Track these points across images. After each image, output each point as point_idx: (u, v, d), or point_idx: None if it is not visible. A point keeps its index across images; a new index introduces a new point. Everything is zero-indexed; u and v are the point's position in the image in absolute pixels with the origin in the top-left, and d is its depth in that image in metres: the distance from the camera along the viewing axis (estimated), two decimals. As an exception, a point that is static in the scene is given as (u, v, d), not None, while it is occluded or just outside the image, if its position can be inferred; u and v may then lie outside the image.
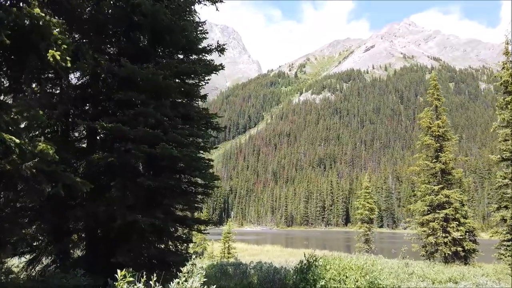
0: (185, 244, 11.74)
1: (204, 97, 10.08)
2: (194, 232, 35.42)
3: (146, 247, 8.05)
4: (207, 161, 9.63)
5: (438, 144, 25.40)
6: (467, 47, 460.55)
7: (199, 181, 9.83)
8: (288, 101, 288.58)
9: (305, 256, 9.81)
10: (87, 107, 8.80)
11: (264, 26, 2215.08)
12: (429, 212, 24.96)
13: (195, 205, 9.76)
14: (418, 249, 25.12)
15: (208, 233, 11.53)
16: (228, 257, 27.47)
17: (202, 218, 10.24)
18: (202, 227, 10.64)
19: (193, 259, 13.62)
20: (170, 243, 9.77)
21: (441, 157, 25.09)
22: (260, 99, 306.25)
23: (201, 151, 9.84)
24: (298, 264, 10.78)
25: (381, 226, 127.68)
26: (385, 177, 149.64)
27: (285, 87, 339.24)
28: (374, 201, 35.32)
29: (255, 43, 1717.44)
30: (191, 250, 24.21)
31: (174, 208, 9.12)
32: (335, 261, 8.89)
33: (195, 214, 11.30)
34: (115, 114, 8.33)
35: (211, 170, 10.02)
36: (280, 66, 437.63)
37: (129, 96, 8.19)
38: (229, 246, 29.08)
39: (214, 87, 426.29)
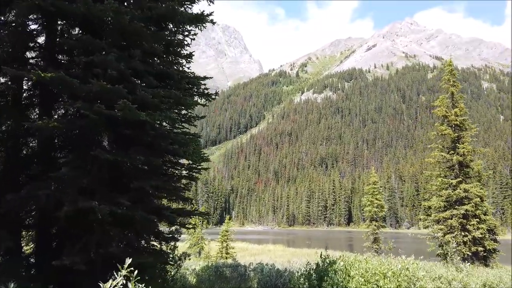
0: (172, 243, 9.70)
1: (189, 56, 7.93)
2: (191, 231, 33.21)
3: (106, 244, 5.93)
4: (193, 136, 7.50)
5: (456, 134, 23.19)
6: (469, 46, 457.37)
7: (183, 162, 7.72)
8: (290, 101, 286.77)
9: (320, 257, 7.61)
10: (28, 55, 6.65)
11: (266, 25, 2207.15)
12: (445, 209, 22.78)
13: (179, 192, 7.65)
14: (435, 249, 22.91)
15: (194, 227, 9.42)
16: (226, 258, 25.31)
17: (187, 209, 8.07)
18: (196, 221, 8.52)
19: (178, 260, 11.42)
20: (151, 241, 7.71)
21: (458, 148, 22.90)
22: (261, 99, 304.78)
23: (184, 124, 7.72)
24: (306, 266, 8.62)
25: (384, 226, 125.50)
26: (387, 177, 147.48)
27: (287, 87, 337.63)
28: (383, 197, 33.05)
29: (256, 42, 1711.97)
30: (181, 251, 21.67)
31: (150, 195, 6.97)
32: (360, 264, 6.72)
33: (186, 206, 9.14)
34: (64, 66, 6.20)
35: (203, 151, 7.96)
36: (281, 66, 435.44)
37: (83, 42, 6.07)
38: (227, 245, 26.90)
39: (215, 86, 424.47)
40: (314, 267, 7.14)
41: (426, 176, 26.00)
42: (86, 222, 6.05)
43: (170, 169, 7.64)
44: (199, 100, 8.02)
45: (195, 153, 7.18)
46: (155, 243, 8.17)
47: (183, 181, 7.93)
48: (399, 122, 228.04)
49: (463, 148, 22.66)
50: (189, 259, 11.89)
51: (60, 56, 6.67)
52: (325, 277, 6.28)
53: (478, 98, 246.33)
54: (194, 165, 7.61)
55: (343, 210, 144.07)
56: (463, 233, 21.63)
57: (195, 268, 16.84)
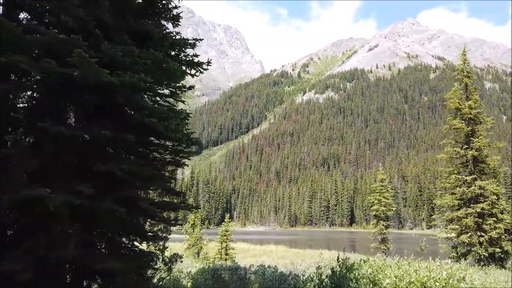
0: (160, 243, 8.34)
1: (176, 18, 6.55)
2: (190, 230, 31.69)
3: (61, 245, 4.56)
4: (181, 112, 6.13)
5: (470, 128, 21.73)
6: (471, 46, 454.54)
7: (168, 144, 6.33)
8: (291, 101, 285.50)
9: (338, 261, 6.18)
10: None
11: (268, 25, 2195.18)
12: (459, 207, 21.34)
13: (164, 182, 6.27)
14: (448, 250, 21.46)
15: (179, 224, 8.08)
16: (226, 259, 23.91)
17: (174, 201, 6.67)
18: (195, 220, 7.11)
19: (169, 263, 10.01)
20: (132, 240, 6.35)
21: (473, 142, 21.45)
22: (263, 99, 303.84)
23: (169, 100, 6.34)
24: (317, 271, 7.23)
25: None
26: (390, 177, 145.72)
27: (288, 87, 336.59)
28: (390, 196, 31.58)
29: (258, 43, 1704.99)
30: (180, 252, 20.23)
31: (122, 182, 5.56)
32: (390, 271, 5.26)
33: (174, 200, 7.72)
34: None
35: (195, 134, 6.59)
36: (283, 66, 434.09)
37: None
38: (227, 246, 25.46)
39: (217, 87, 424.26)
40: (330, 273, 5.72)
41: (440, 172, 24.52)
42: (36, 215, 4.67)
43: (151, 153, 6.26)
44: (188, 71, 6.64)
45: (179, 131, 5.82)
46: (136, 243, 6.81)
47: (168, 167, 6.56)
48: (401, 123, 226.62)
49: (478, 142, 21.22)
50: (181, 261, 10.47)
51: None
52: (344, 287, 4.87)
53: (481, 98, 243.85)
54: (180, 147, 6.23)
55: (346, 211, 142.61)
56: (478, 233, 20.17)
57: (190, 271, 15.47)
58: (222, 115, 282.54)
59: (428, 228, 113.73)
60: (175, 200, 6.60)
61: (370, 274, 4.97)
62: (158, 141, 6.12)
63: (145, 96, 5.89)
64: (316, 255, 34.92)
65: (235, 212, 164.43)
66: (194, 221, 29.00)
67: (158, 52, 5.27)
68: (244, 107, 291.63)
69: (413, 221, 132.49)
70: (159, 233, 6.86)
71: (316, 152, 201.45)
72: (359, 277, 4.97)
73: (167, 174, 6.44)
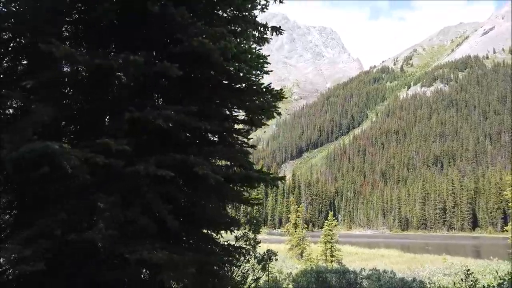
0: (250, 236, 6.84)
1: None
2: (292, 230, 29.81)
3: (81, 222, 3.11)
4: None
5: None
6: None
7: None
8: (395, 97, 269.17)
9: None
10: None
11: (367, 21, 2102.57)
12: None
13: (232, 148, 4.54)
14: None
15: (260, 203, 6.21)
16: (331, 261, 21.58)
17: (258, 171, 4.83)
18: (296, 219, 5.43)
19: (262, 261, 8.28)
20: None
21: None
22: (363, 97, 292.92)
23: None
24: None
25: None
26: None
27: (390, 83, 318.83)
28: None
29: (355, 40, 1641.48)
30: (282, 253, 18.81)
31: (175, 140, 3.93)
32: None
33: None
34: None
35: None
36: (383, 61, 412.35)
37: None
38: (331, 247, 23.08)
39: (314, 89, 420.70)
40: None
41: None
42: (48, 182, 3.29)
43: (214, 97, 4.51)
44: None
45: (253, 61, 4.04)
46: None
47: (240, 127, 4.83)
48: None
49: None
50: (276, 259, 8.76)
51: None
52: None
53: None
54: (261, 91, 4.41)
55: (466, 213, 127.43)
56: None
57: (291, 272, 13.74)
58: (321, 117, 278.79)
59: None
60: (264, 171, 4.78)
61: None
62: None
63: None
64: (437, 260, 30.51)
65: (339, 215, 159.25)
66: (296, 220, 27.31)
67: None
68: (343, 107, 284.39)
69: None
70: (236, 219, 5.14)
71: (426, 150, 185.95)
72: None
73: (242, 131, 4.71)
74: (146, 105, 3.67)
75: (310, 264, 16.08)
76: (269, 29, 6.27)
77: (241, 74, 4.10)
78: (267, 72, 4.88)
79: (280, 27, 6.48)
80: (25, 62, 4.01)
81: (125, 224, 3.42)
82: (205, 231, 5.31)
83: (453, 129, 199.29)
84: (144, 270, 3.99)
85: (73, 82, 3.81)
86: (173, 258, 3.30)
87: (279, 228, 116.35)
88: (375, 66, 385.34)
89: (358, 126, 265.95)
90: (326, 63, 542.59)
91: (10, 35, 4.05)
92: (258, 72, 4.42)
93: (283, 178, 5.06)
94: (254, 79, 4.31)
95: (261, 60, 4.40)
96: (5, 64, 4.08)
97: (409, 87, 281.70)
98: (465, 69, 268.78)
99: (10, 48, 4.05)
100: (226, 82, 4.34)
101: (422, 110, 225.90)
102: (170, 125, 3.44)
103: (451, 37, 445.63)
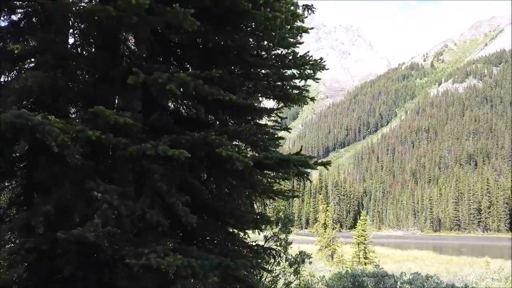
0: (281, 236, 6.17)
1: None
2: (321, 231, 28.73)
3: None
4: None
5: None
6: None
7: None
8: (425, 94, 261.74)
9: None
10: None
11: (394, 17, 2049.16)
12: None
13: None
14: None
15: (298, 195, 5.42)
16: (365, 263, 20.49)
17: (297, 153, 4.03)
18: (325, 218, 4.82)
19: (294, 264, 7.57)
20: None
21: None
22: (391, 95, 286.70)
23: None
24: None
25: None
26: None
27: (420, 79, 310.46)
28: None
29: (383, 37, 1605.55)
30: (311, 254, 18.03)
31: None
32: None
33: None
34: None
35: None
36: (412, 58, 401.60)
37: None
38: (365, 248, 22.00)
39: (340, 88, 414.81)
40: None
41: None
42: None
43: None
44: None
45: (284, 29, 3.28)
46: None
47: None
48: None
49: None
50: (310, 262, 7.90)
51: None
52: None
53: None
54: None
55: (503, 214, 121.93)
56: None
57: (324, 276, 12.84)
58: (348, 115, 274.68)
59: None
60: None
61: None
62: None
63: None
64: (475, 263, 28.80)
65: (368, 216, 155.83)
66: (325, 220, 26.30)
67: None
68: (371, 106, 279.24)
69: None
70: (263, 216, 4.38)
71: (459, 148, 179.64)
72: None
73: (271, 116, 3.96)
74: (157, 69, 3.00)
75: (343, 267, 15.11)
76: (300, 7, 5.77)
77: (272, 33, 3.34)
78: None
79: (312, 5, 6.09)
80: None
81: (129, 220, 2.75)
82: (230, 229, 4.61)
83: (487, 126, 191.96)
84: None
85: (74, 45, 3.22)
86: (191, 263, 2.62)
87: (306, 228, 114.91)
88: (403, 63, 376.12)
89: (387, 124, 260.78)
90: (353, 61, 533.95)
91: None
92: (293, 40, 3.67)
93: (328, 164, 4.26)
94: (292, 40, 3.56)
95: (297, 23, 3.62)
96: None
97: (440, 84, 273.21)
98: (500, 64, 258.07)
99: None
100: (254, 43, 3.60)
101: (454, 107, 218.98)
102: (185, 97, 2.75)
103: (484, 31, 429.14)
